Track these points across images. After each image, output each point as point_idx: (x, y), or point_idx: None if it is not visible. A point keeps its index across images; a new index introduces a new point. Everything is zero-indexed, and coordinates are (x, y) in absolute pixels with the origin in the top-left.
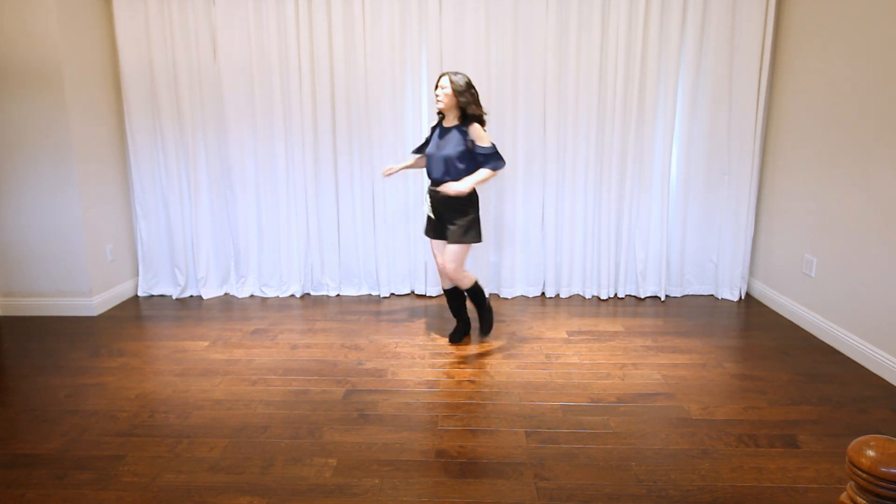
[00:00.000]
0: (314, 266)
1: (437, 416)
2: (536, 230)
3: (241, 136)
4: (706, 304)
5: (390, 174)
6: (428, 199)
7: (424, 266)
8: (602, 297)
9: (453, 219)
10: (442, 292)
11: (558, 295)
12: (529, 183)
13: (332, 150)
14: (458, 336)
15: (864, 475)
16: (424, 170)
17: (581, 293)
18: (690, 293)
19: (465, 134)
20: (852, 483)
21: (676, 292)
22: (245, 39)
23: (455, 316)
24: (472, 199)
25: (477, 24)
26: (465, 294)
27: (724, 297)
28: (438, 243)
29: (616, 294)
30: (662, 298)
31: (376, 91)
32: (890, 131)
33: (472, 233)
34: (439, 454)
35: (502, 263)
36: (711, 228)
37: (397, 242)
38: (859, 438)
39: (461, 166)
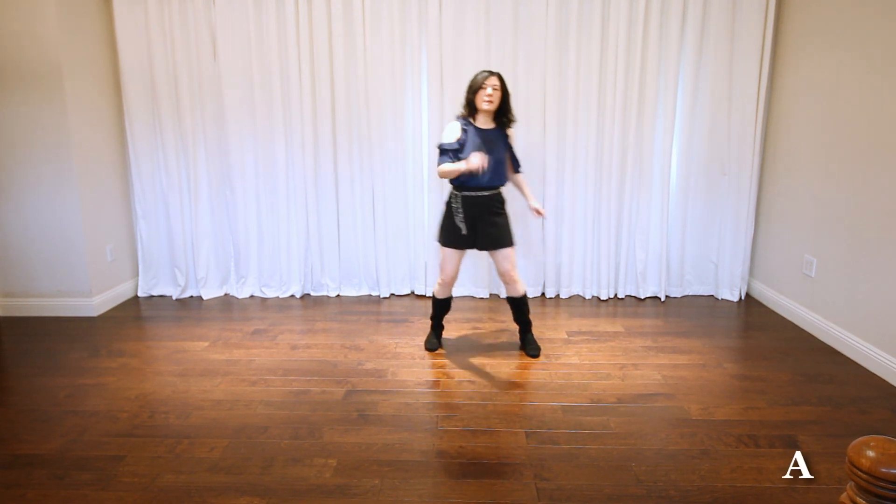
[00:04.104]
0: (314, 266)
1: (437, 416)
2: (536, 230)
3: (241, 136)
4: (706, 305)
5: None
6: (461, 208)
7: (424, 266)
8: (602, 298)
9: (497, 221)
10: (438, 297)
11: (558, 295)
12: (529, 183)
13: (332, 149)
14: (438, 342)
15: (864, 475)
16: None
17: (581, 293)
18: (690, 293)
19: (506, 137)
20: (852, 483)
21: (676, 293)
22: (245, 40)
23: (436, 323)
24: (504, 200)
25: (477, 24)
26: (519, 302)
27: (724, 297)
28: (461, 253)
29: (616, 294)
30: (662, 299)
31: (376, 91)
32: (890, 131)
33: (512, 233)
34: (439, 454)
35: None
36: (711, 228)
37: (397, 242)
38: (859, 438)
39: (504, 170)
